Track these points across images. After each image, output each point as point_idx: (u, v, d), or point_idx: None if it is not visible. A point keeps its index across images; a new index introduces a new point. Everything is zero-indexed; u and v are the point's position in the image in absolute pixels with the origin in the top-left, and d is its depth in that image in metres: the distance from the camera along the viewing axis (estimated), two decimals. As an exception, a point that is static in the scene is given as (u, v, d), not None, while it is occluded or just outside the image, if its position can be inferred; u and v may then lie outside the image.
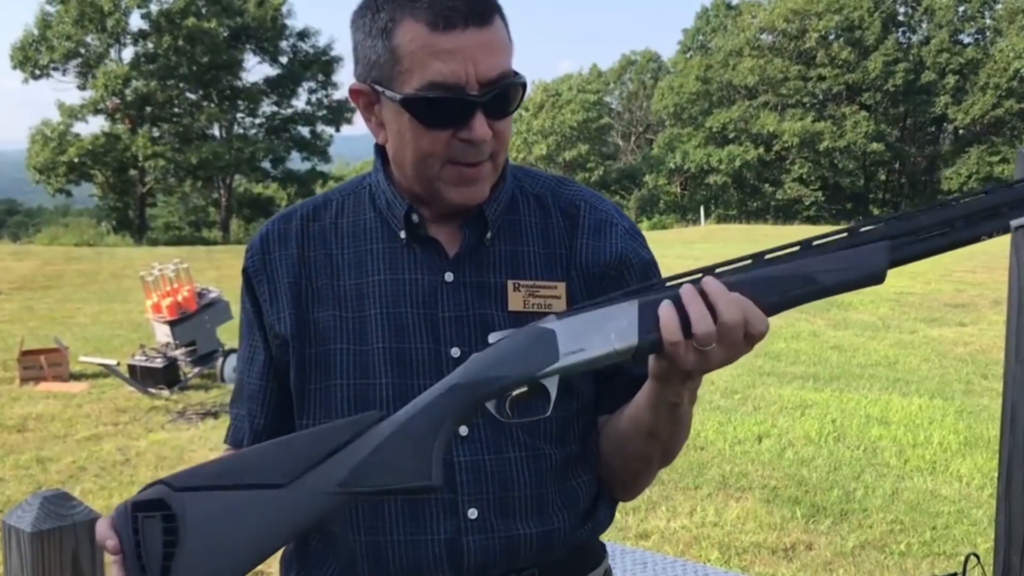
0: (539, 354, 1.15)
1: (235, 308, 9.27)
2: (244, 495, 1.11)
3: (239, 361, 1.47)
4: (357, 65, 1.33)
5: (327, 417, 1.34)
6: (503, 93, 1.27)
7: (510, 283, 1.36)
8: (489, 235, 1.37)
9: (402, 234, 1.36)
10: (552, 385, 1.16)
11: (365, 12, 1.30)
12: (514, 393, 1.16)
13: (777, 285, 1.17)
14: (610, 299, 1.17)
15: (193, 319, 8.90)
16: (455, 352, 1.33)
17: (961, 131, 51.33)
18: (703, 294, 1.14)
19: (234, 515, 1.09)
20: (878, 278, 1.17)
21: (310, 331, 1.36)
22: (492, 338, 1.18)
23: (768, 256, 1.19)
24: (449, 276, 1.35)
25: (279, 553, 1.50)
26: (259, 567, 4.15)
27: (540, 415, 1.17)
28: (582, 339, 1.15)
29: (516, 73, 1.30)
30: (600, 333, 1.15)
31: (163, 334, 8.90)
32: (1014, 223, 1.19)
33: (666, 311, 1.14)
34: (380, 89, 1.29)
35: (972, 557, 2.27)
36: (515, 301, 1.36)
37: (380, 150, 1.41)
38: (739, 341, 1.15)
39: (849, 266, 1.17)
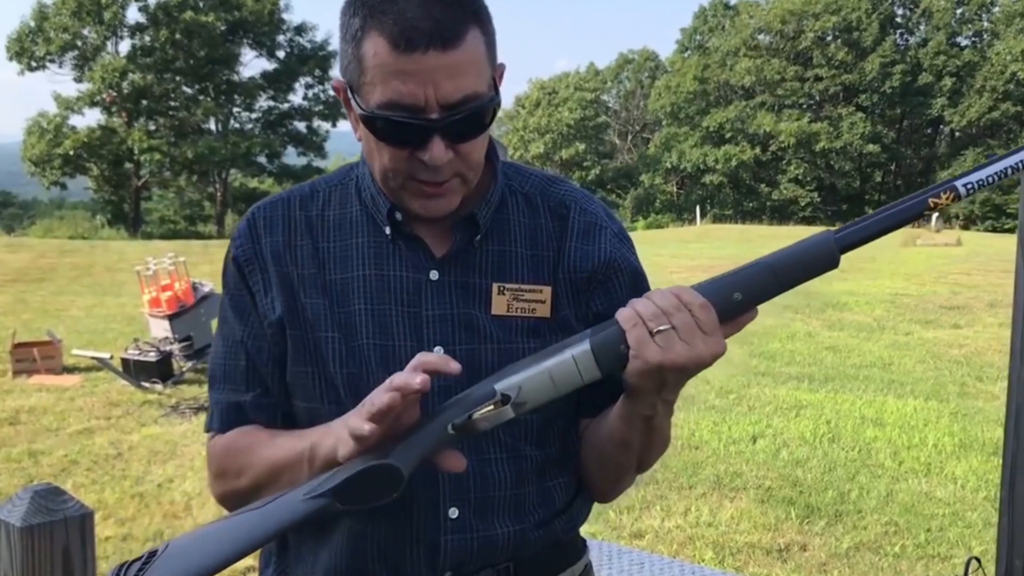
0: (500, 375, 1.20)
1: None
2: (221, 523, 1.16)
3: (226, 346, 1.41)
4: (339, 61, 1.33)
5: (328, 405, 1.32)
6: (465, 118, 1.23)
7: (495, 286, 1.35)
8: (478, 238, 1.36)
9: (387, 230, 1.35)
10: (512, 392, 1.17)
11: (346, 11, 1.27)
12: (480, 410, 1.17)
13: (727, 277, 1.22)
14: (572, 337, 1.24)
15: (190, 313, 8.89)
16: (438, 351, 1.32)
17: (957, 133, 51.47)
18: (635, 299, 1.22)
19: (206, 536, 1.15)
20: (832, 256, 1.21)
21: (301, 318, 1.34)
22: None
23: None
24: (434, 274, 1.34)
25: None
26: (248, 559, 4.09)
27: (505, 419, 1.18)
28: (539, 358, 1.20)
29: (495, 92, 1.27)
30: (555, 351, 1.21)
31: (161, 329, 8.88)
32: (960, 183, 1.23)
33: (620, 311, 1.20)
34: (350, 95, 1.28)
35: (973, 561, 2.26)
36: (499, 305, 1.35)
37: None
38: (691, 325, 1.17)
39: (800, 248, 1.22)
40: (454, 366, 1.15)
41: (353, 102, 1.27)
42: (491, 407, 1.17)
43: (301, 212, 1.40)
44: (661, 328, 1.16)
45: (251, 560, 4.51)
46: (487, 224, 1.36)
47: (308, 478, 1.21)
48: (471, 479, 1.32)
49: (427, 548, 1.32)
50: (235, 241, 1.40)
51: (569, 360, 1.19)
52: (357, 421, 1.13)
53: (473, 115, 1.24)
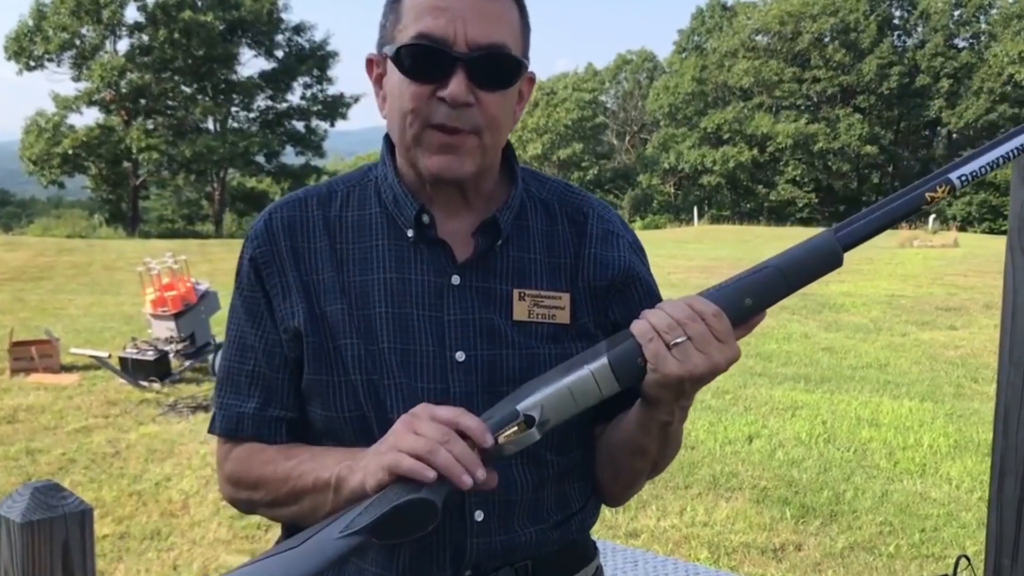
0: (519, 394, 1.21)
1: (224, 299, 9.32)
2: (259, 563, 1.15)
3: (233, 348, 1.40)
4: (377, 42, 1.37)
5: (347, 412, 1.32)
6: (491, 61, 1.27)
7: (515, 292, 1.35)
8: (500, 242, 1.36)
9: (409, 233, 1.35)
10: (535, 412, 1.18)
11: None
12: (504, 432, 1.18)
13: (737, 283, 1.23)
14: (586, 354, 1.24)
15: (192, 311, 8.95)
16: (460, 356, 1.32)
17: (955, 135, 51.56)
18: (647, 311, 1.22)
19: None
20: (836, 255, 1.23)
21: (321, 325, 1.33)
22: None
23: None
24: (456, 279, 1.34)
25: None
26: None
27: (532, 441, 1.19)
28: (557, 375, 1.21)
29: (525, 65, 1.32)
30: (573, 366, 1.21)
31: (166, 328, 8.92)
32: (955, 175, 1.23)
33: (635, 324, 1.20)
34: (384, 50, 1.32)
35: (963, 559, 2.27)
36: (520, 310, 1.35)
37: (389, 142, 1.40)
38: (706, 335, 1.18)
39: (803, 250, 1.23)
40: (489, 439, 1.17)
41: (385, 50, 1.31)
42: (515, 429, 1.18)
43: (319, 212, 1.39)
44: (678, 340, 1.17)
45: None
46: (508, 228, 1.37)
47: (332, 506, 1.23)
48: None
49: (453, 550, 1.33)
50: (252, 241, 1.39)
51: (588, 376, 1.20)
52: (394, 456, 1.15)
53: (499, 64, 1.28)
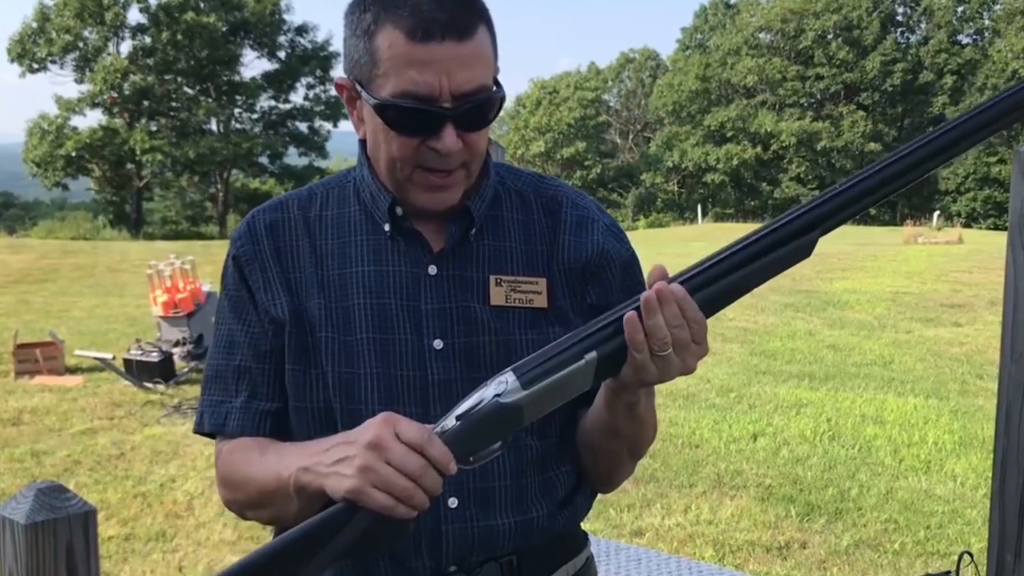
0: (504, 428, 1.17)
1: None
2: None
3: (220, 346, 1.43)
4: (344, 59, 1.36)
5: (315, 403, 1.35)
6: (476, 107, 1.28)
7: (492, 278, 1.38)
8: (473, 231, 1.39)
9: (386, 227, 1.38)
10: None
11: (354, 8, 1.31)
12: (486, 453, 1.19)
13: (720, 287, 1.21)
14: (569, 350, 1.18)
15: (202, 311, 9.04)
16: (438, 344, 1.34)
17: (958, 131, 51.45)
18: (645, 311, 1.17)
19: None
20: (807, 249, 1.21)
21: (302, 320, 1.36)
22: (459, 410, 1.18)
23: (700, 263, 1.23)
24: (432, 269, 1.37)
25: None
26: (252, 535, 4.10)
27: (495, 451, 1.19)
28: (545, 405, 1.18)
29: (497, 85, 1.32)
30: (562, 393, 1.18)
31: (178, 330, 8.98)
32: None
33: (632, 336, 1.16)
34: (359, 89, 1.32)
35: (966, 555, 2.27)
36: (497, 296, 1.37)
37: (364, 144, 1.42)
38: (688, 343, 1.18)
39: (780, 254, 1.21)
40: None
41: (363, 96, 1.31)
42: (496, 449, 1.19)
43: (299, 213, 1.43)
44: (663, 353, 1.17)
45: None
46: (481, 218, 1.39)
47: (297, 509, 1.23)
48: (469, 470, 1.34)
49: (428, 538, 1.33)
50: (235, 242, 1.43)
51: (571, 378, 1.18)
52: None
53: (483, 106, 1.30)
